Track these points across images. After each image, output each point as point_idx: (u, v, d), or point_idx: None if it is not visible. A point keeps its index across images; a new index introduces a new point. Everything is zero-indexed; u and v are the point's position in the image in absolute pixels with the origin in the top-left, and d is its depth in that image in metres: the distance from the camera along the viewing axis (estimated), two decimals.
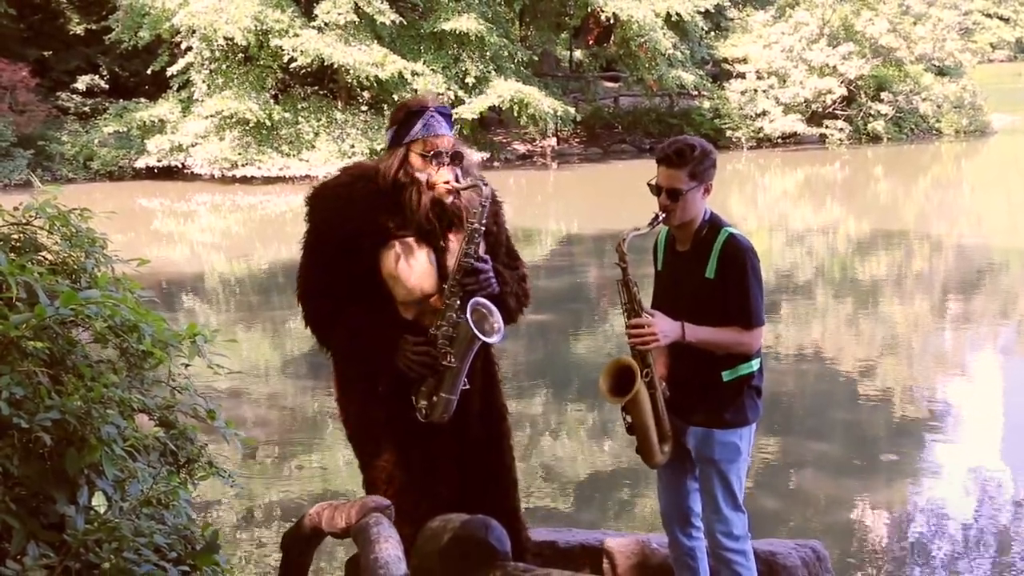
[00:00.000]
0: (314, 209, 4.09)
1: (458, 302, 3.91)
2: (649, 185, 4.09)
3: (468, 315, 3.85)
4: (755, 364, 4.13)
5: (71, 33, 31.89)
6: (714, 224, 4.10)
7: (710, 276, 4.03)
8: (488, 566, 2.37)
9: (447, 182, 3.93)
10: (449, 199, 3.94)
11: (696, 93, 34.03)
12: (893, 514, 6.98)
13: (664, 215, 4.03)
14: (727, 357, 4.06)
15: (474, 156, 4.22)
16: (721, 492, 4.15)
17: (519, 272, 4.29)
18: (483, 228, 3.95)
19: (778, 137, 32.42)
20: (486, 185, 3.94)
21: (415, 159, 3.95)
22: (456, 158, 3.97)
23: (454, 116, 4.25)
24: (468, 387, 4.03)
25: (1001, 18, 64.12)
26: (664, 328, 3.96)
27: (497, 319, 3.96)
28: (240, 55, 27.77)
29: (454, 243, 3.98)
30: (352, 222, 3.94)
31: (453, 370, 3.92)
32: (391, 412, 4.05)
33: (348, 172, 4.16)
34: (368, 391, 4.09)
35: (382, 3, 27.57)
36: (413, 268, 3.93)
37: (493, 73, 28.65)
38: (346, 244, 3.95)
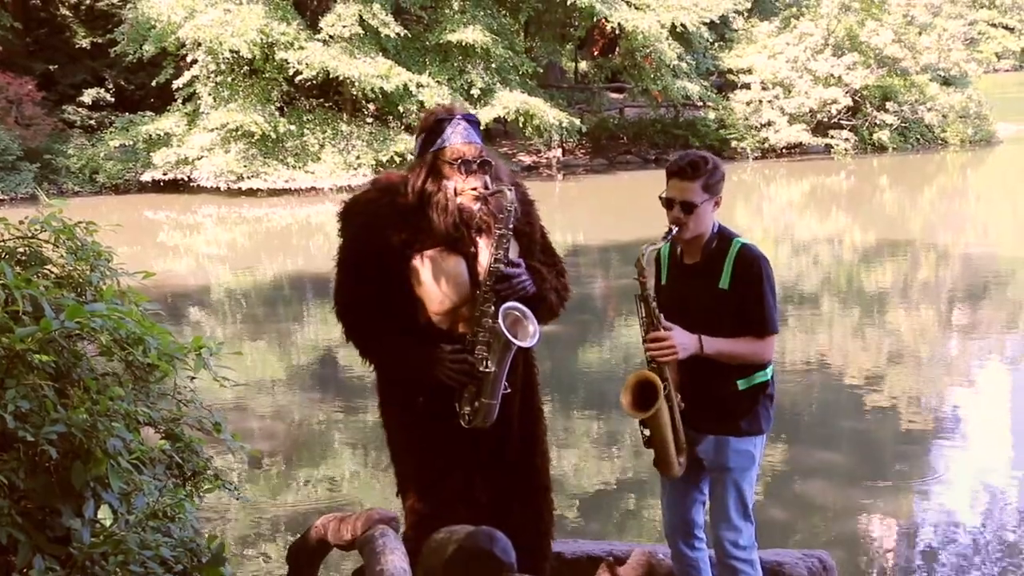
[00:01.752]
0: (346, 224, 4.11)
1: (492, 308, 3.91)
2: (661, 198, 4.09)
3: (501, 320, 3.86)
4: (769, 372, 4.16)
5: (76, 47, 32.01)
6: (724, 235, 4.12)
7: (724, 287, 4.04)
8: None
9: (474, 189, 3.94)
10: (477, 206, 3.95)
11: (701, 104, 34.02)
12: (900, 524, 6.96)
13: (677, 229, 4.04)
14: (742, 367, 4.08)
15: (503, 164, 4.23)
16: (733, 500, 4.17)
17: (557, 268, 4.30)
18: (511, 233, 3.95)
19: (783, 147, 32.40)
20: (511, 189, 3.95)
21: (442, 167, 3.97)
22: (484, 165, 3.97)
23: None
24: (509, 391, 4.04)
25: (1006, 28, 63.98)
26: (683, 341, 3.97)
27: (532, 322, 3.96)
28: (245, 68, 27.81)
29: (485, 250, 3.99)
30: (383, 235, 3.95)
31: (492, 376, 3.92)
32: (431, 421, 4.06)
33: (377, 185, 4.16)
34: (408, 401, 4.11)
35: (387, 15, 27.61)
36: (445, 277, 3.95)
37: (498, 85, 28.68)
38: (378, 257, 3.96)
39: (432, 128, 4.03)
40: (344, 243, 4.11)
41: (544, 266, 4.21)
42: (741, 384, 4.09)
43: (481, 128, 4.17)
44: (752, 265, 4.03)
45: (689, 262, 4.17)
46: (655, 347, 3.97)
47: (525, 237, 4.15)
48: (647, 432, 4.08)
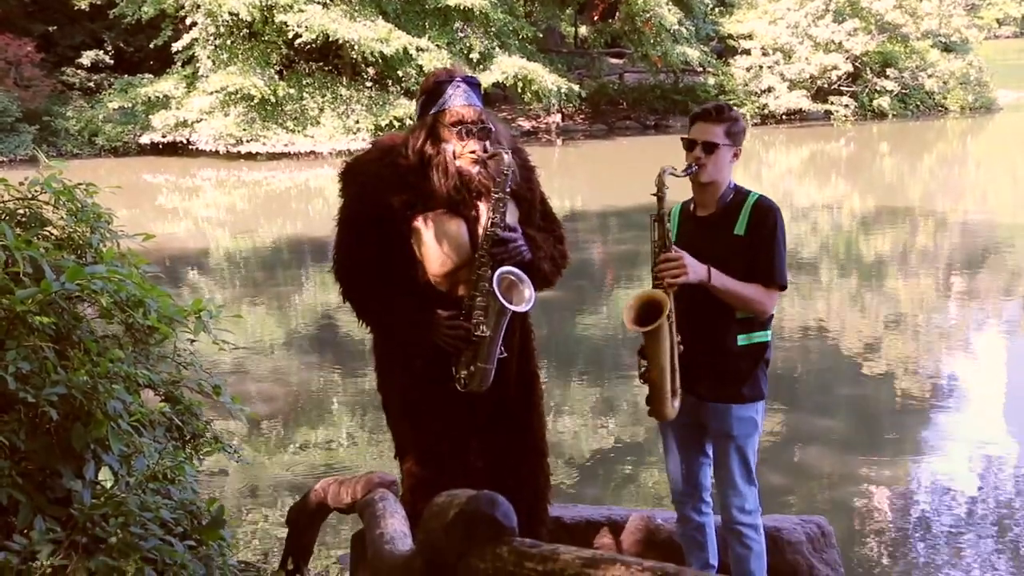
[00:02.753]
0: (346, 184, 4.10)
1: (488, 272, 3.91)
2: (683, 139, 4.15)
3: (495, 285, 3.85)
4: (768, 335, 4.18)
5: (75, 8, 31.78)
6: (740, 190, 4.20)
7: (740, 233, 4.08)
8: (494, 541, 2.37)
9: (472, 152, 3.93)
10: (475, 169, 3.94)
11: (701, 69, 33.93)
12: (897, 490, 6.98)
13: (696, 168, 4.06)
14: (744, 322, 4.09)
15: (504, 127, 4.21)
16: (738, 466, 4.19)
17: (556, 234, 4.30)
18: (508, 197, 3.94)
19: (783, 114, 32.36)
20: (508, 152, 3.93)
21: (441, 130, 3.96)
22: (483, 129, 3.96)
23: None
24: (505, 355, 4.04)
25: None
26: (692, 264, 3.97)
27: (527, 287, 3.96)
28: (245, 30, 27.68)
29: (486, 213, 3.98)
30: (383, 196, 3.95)
31: (487, 340, 3.92)
32: (428, 385, 4.07)
33: (378, 146, 4.16)
34: (405, 364, 4.11)
35: None
36: (446, 240, 3.94)
37: (497, 49, 28.57)
38: (378, 218, 3.95)
39: (432, 90, 4.02)
40: (345, 203, 4.10)
41: (543, 232, 4.20)
42: (741, 340, 4.10)
43: (481, 91, 4.16)
44: (768, 214, 4.09)
45: (703, 214, 4.20)
46: (665, 267, 3.96)
47: (526, 203, 4.14)
48: (644, 363, 4.04)
